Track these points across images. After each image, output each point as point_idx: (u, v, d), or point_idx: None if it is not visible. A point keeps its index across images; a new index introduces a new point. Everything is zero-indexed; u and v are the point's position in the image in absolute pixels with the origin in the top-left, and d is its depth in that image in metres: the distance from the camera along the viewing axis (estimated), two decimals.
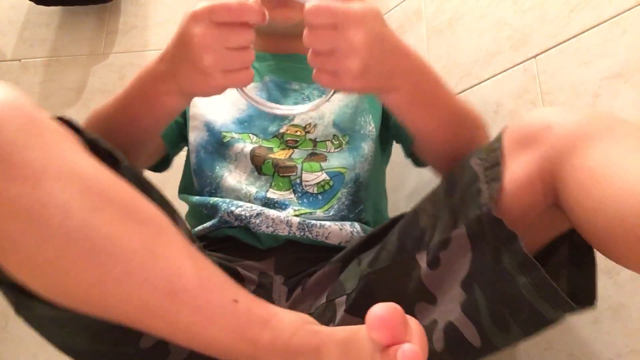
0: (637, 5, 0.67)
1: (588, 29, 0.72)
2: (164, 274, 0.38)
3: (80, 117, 1.22)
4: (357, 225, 0.65)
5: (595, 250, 0.46)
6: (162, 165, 0.77)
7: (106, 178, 0.40)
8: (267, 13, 0.49)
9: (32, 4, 1.24)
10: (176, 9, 1.27)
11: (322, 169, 0.67)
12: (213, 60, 0.48)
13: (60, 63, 1.25)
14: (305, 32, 0.48)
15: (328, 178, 0.67)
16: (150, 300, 0.37)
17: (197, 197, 0.68)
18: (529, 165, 0.44)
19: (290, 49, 0.78)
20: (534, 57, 0.79)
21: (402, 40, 0.52)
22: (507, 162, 0.46)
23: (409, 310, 0.48)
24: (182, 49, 0.50)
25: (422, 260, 0.49)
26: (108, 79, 1.22)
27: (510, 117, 0.81)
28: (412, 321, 0.39)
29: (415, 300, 0.49)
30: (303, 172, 0.66)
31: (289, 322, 0.41)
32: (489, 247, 0.44)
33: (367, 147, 0.71)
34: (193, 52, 0.48)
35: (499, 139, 0.48)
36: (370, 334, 0.35)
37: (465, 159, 0.50)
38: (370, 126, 0.73)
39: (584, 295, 0.46)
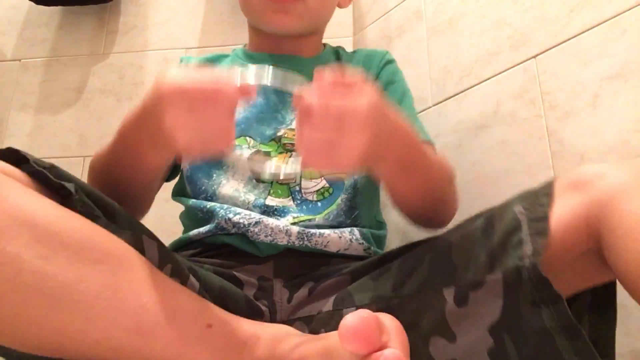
0: (637, 5, 0.67)
1: (588, 29, 0.72)
2: (130, 313, 0.37)
3: (80, 117, 1.22)
4: (356, 231, 0.64)
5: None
6: (174, 174, 0.76)
7: (56, 219, 0.38)
8: (255, 90, 0.45)
9: (32, 4, 1.24)
10: (176, 9, 1.27)
11: (321, 176, 0.67)
12: (189, 141, 0.45)
13: (60, 63, 1.25)
14: (299, 125, 0.44)
15: (327, 185, 0.66)
16: (120, 341, 0.37)
17: (193, 200, 0.67)
18: (577, 207, 0.44)
19: (289, 50, 0.77)
20: (534, 57, 0.79)
21: (396, 115, 0.51)
22: (555, 203, 0.45)
23: (424, 341, 0.48)
24: (154, 124, 0.47)
25: (450, 295, 0.48)
26: (108, 79, 1.22)
27: (510, 117, 0.81)
28: (387, 319, 0.38)
29: (432, 332, 0.48)
30: (302, 179, 0.66)
31: (268, 339, 0.41)
32: (525, 300, 0.43)
33: None
34: (166, 133, 0.45)
35: (547, 192, 0.47)
36: (346, 348, 0.34)
37: (508, 203, 0.49)
38: None
39: (602, 344, 0.47)
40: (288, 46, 0.77)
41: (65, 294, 0.35)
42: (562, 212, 0.45)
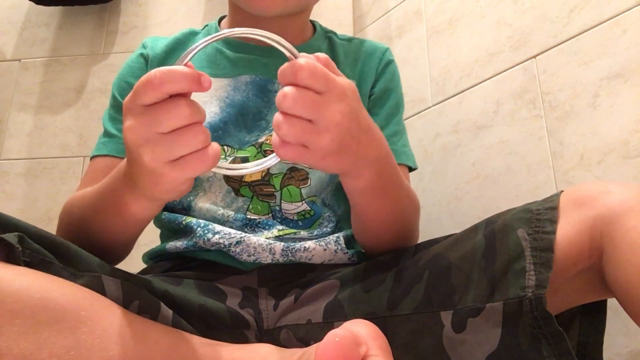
0: (637, 5, 0.67)
1: (588, 29, 0.72)
2: None
3: (80, 117, 1.22)
4: (341, 239, 0.62)
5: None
6: None
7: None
8: (206, 78, 0.39)
9: (32, 4, 1.24)
10: (176, 9, 1.27)
11: (302, 199, 0.64)
12: (151, 153, 0.39)
13: (60, 63, 1.25)
14: (287, 91, 0.40)
15: (309, 208, 0.64)
16: None
17: (166, 214, 0.63)
18: (581, 223, 0.44)
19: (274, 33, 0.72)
20: (534, 57, 0.79)
21: (372, 121, 0.51)
22: (560, 220, 0.45)
23: None
24: (127, 150, 0.43)
25: (447, 319, 0.47)
26: (108, 79, 1.22)
27: (510, 117, 0.81)
28: (361, 327, 0.37)
29: (429, 358, 0.47)
30: (282, 201, 0.63)
31: None
32: (525, 332, 0.43)
33: None
34: (131, 150, 0.41)
35: (552, 218, 0.46)
36: None
37: (509, 223, 0.48)
38: None
39: (591, 348, 0.47)
40: (272, 28, 0.72)
41: None
42: (566, 229, 0.44)
